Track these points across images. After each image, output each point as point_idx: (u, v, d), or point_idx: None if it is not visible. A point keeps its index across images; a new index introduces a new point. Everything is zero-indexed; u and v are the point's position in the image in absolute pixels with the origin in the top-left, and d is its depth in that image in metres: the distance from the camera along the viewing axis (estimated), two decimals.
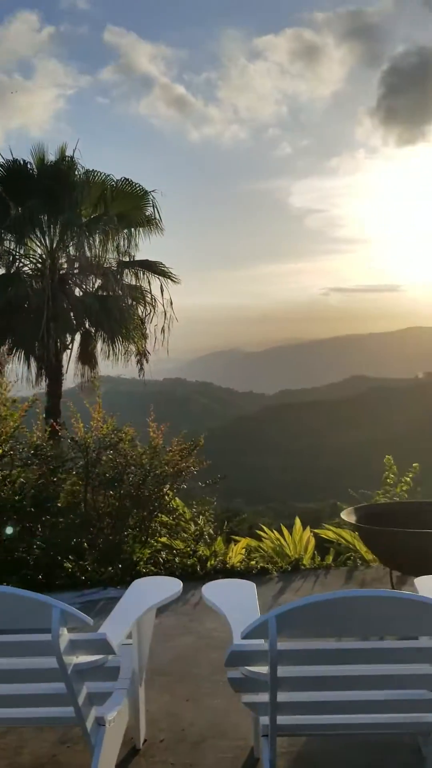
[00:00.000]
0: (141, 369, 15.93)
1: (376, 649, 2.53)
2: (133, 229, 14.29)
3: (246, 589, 3.38)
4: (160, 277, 14.09)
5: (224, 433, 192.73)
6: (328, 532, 6.92)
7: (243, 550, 6.48)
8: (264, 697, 2.51)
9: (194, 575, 5.86)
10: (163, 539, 6.26)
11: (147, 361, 15.54)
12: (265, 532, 6.99)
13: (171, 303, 13.85)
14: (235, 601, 3.20)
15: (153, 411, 7.22)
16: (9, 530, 5.66)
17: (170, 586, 3.31)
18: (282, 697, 2.52)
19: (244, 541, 6.73)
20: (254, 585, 3.39)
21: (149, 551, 6.05)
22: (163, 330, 13.88)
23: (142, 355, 15.10)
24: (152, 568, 5.87)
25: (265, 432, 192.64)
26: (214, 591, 3.33)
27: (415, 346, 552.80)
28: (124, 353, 14.41)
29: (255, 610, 3.08)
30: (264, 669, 2.42)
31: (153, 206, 13.87)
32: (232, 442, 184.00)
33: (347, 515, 5.37)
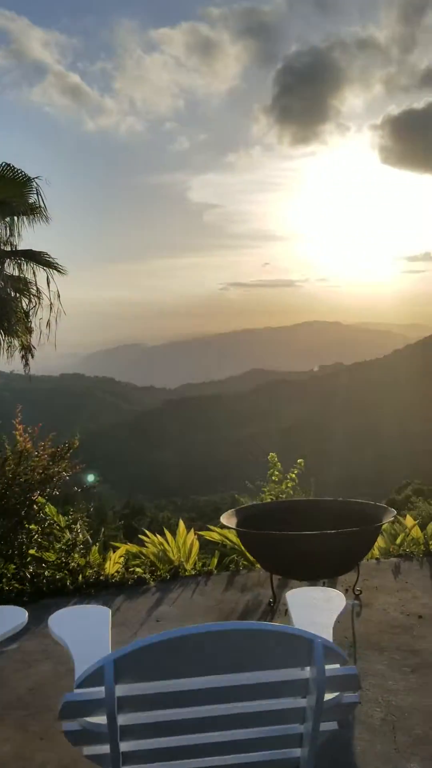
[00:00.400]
0: (26, 365, 15.04)
1: (228, 687, 2.24)
2: (15, 218, 13.48)
3: (99, 616, 3.01)
4: (45, 268, 13.34)
5: (125, 429, 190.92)
6: (213, 534, 6.67)
7: (121, 559, 6.10)
8: (107, 748, 2.16)
9: (64, 590, 5.41)
10: (32, 551, 5.75)
11: (32, 356, 14.68)
12: (147, 536, 6.63)
13: (58, 295, 13.14)
14: (85, 633, 2.83)
15: (20, 411, 6.64)
16: None
17: (10, 619, 2.89)
18: (127, 746, 2.19)
19: (122, 548, 6.35)
20: (109, 611, 3.02)
21: (14, 566, 5.52)
22: (48, 323, 13.09)
23: (26, 350, 14.24)
24: (16, 585, 5.36)
25: (167, 426, 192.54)
26: (63, 620, 2.94)
27: (311, 340, 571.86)
28: (7, 348, 13.49)
29: (105, 643, 2.72)
30: (103, 719, 2.09)
31: (37, 193, 13.11)
32: (133, 437, 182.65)
33: (227, 518, 5.12)
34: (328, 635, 2.61)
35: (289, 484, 7.45)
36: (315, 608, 2.90)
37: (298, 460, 7.69)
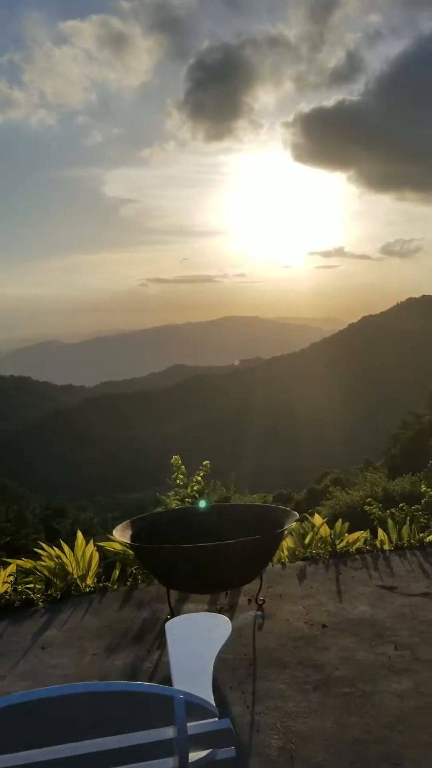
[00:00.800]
0: None
1: (91, 754, 1.87)
2: None
3: None
4: None
5: (43, 429, 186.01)
6: (115, 544, 6.25)
7: (11, 577, 5.58)
8: None
9: None
10: None
11: None
12: (44, 549, 6.13)
13: None
14: None
15: None
16: None
17: None
18: None
19: (12, 565, 5.82)
20: None
21: None
22: None
23: None
24: None
25: (87, 425, 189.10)
26: None
27: (231, 334, 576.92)
28: None
29: None
30: None
31: None
32: (52, 437, 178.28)
33: (121, 531, 4.72)
34: (205, 677, 2.27)
35: (195, 487, 7.10)
36: (195, 641, 2.57)
37: (204, 462, 7.33)
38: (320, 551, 5.92)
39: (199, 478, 7.23)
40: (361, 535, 6.30)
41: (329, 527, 6.31)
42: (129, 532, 4.76)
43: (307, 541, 6.20)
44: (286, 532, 5.11)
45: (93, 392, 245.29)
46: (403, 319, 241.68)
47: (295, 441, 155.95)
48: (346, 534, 6.28)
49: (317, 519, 6.59)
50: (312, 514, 6.86)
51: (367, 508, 6.56)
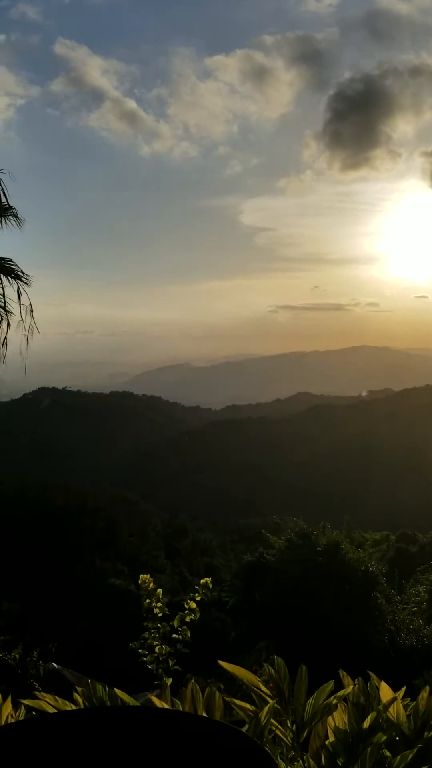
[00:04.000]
0: None
1: None
2: None
3: None
4: (10, 277, 10.82)
5: (169, 448, 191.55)
6: None
7: None
8: None
9: None
10: None
11: None
12: None
13: (31, 310, 10.66)
14: None
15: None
16: None
17: None
18: None
19: None
20: None
21: None
22: (27, 339, 10.61)
23: None
24: None
25: (210, 447, 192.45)
26: None
27: (360, 364, 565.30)
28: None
29: None
30: None
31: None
32: (177, 457, 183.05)
33: None
34: None
35: (188, 619, 4.46)
36: None
37: (202, 581, 4.80)
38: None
39: (193, 604, 4.56)
40: None
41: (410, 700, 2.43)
42: None
43: (365, 725, 2.49)
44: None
45: (218, 415, 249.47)
46: None
47: (426, 478, 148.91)
48: None
49: (384, 689, 2.63)
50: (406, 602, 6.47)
51: None
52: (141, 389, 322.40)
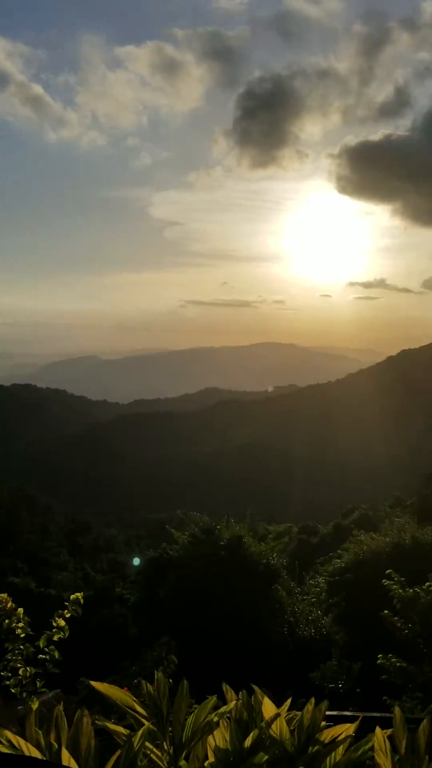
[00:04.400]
0: None
1: None
2: None
3: None
4: None
5: (74, 442, 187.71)
6: None
7: None
8: None
9: None
10: None
11: None
12: None
13: None
14: None
15: None
16: None
17: None
18: None
19: None
20: None
21: None
22: None
23: None
24: None
25: (118, 442, 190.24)
26: None
27: (266, 361, 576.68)
28: None
29: None
30: None
31: None
32: (82, 451, 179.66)
33: None
34: None
35: (56, 638, 3.83)
36: None
37: (72, 596, 4.04)
38: None
39: (62, 622, 3.89)
40: (347, 730, 2.20)
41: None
42: None
43: (247, 744, 2.20)
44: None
45: (126, 409, 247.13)
46: None
47: (327, 472, 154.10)
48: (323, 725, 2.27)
49: (267, 704, 2.19)
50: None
51: (387, 583, 6.22)
52: (45, 382, 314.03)
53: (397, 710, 2.08)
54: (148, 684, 2.20)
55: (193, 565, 18.32)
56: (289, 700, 2.13)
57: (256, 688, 2.12)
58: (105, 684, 2.09)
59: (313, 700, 2.06)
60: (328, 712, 2.10)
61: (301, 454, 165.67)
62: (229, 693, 2.20)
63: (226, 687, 2.22)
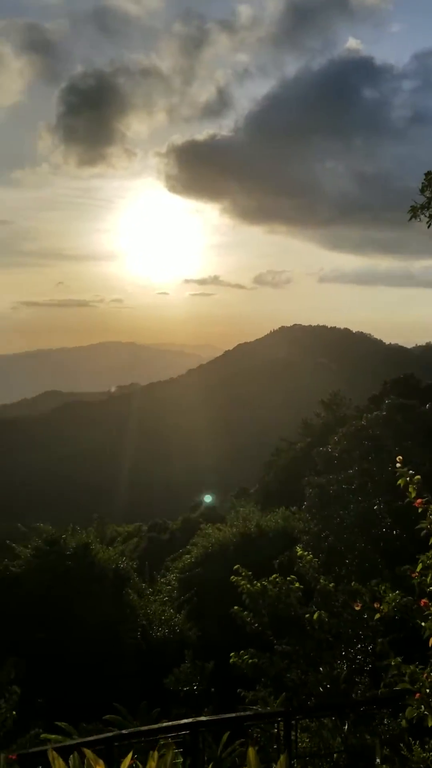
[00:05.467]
0: None
1: None
2: None
3: None
4: None
5: None
6: None
7: None
8: None
9: None
10: None
11: None
12: None
13: None
14: None
15: None
16: None
17: None
18: None
19: None
20: None
21: None
22: None
23: None
24: None
25: None
26: None
27: (107, 360, 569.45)
28: None
29: None
30: None
31: None
32: None
33: None
34: None
35: None
36: None
37: None
38: None
39: None
40: None
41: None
42: None
43: None
44: None
45: None
46: (276, 347, 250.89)
47: (173, 468, 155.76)
48: None
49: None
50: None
51: (234, 578, 6.19)
52: None
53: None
54: None
55: (38, 580, 17.41)
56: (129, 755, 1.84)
57: (87, 751, 1.80)
58: None
59: (155, 754, 1.79)
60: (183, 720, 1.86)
61: (147, 452, 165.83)
62: (57, 761, 1.85)
63: (53, 755, 1.87)
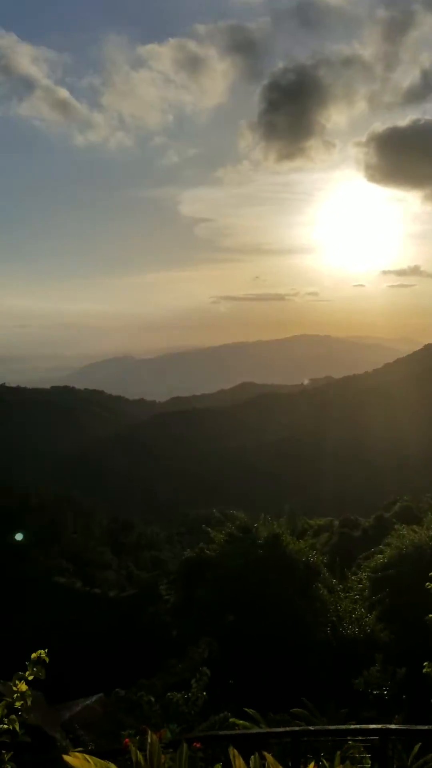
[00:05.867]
0: None
1: None
2: None
3: None
4: None
5: (114, 442, 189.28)
6: None
7: None
8: None
9: None
10: None
11: None
12: None
13: None
14: None
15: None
16: None
17: None
18: None
19: None
20: None
21: None
22: None
23: None
24: None
25: (156, 440, 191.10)
26: None
27: (301, 353, 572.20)
28: None
29: None
30: None
31: None
32: (122, 450, 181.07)
33: None
34: None
35: (17, 705, 3.15)
36: None
37: (33, 655, 3.34)
38: None
39: (24, 687, 3.21)
40: None
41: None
42: None
43: None
44: None
45: (163, 407, 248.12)
46: None
47: (368, 462, 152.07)
48: None
49: None
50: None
51: (430, 585, 5.79)
52: (83, 383, 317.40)
53: None
54: (139, 754, 1.84)
55: (230, 565, 18.00)
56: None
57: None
58: (80, 757, 1.74)
59: None
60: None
61: (339, 446, 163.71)
62: (237, 760, 1.82)
63: (233, 752, 1.85)
